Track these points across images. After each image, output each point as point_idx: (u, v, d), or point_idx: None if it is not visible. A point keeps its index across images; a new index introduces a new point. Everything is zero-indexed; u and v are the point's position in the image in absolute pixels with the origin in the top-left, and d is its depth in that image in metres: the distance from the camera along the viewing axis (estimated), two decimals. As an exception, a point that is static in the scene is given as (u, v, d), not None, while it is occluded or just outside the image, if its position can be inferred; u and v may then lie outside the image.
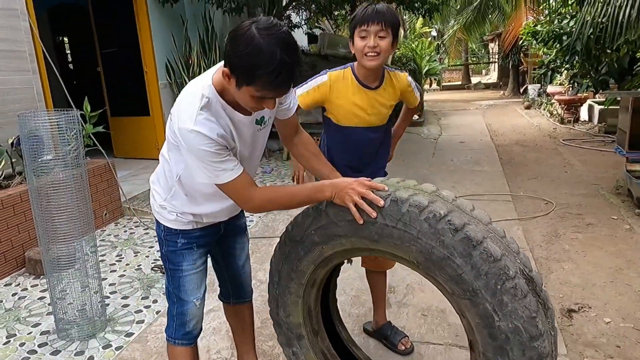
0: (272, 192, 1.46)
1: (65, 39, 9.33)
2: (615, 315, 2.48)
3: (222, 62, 1.33)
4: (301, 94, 1.96)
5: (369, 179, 1.44)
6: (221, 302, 1.97)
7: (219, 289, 1.94)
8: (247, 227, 1.90)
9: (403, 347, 2.23)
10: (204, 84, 1.36)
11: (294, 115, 1.64)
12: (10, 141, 3.65)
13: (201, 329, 1.73)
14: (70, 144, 2.50)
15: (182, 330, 1.65)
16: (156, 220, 1.64)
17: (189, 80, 5.80)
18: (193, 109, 1.32)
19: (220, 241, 1.78)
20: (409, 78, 2.09)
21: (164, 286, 2.94)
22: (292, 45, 1.24)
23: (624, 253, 3.22)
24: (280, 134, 1.70)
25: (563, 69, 8.77)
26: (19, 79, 3.98)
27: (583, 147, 6.79)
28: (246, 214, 1.85)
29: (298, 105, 1.89)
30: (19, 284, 3.10)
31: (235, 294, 1.90)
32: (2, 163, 3.47)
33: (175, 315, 1.65)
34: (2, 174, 3.46)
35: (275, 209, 1.52)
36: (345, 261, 1.73)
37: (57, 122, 2.41)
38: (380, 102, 1.99)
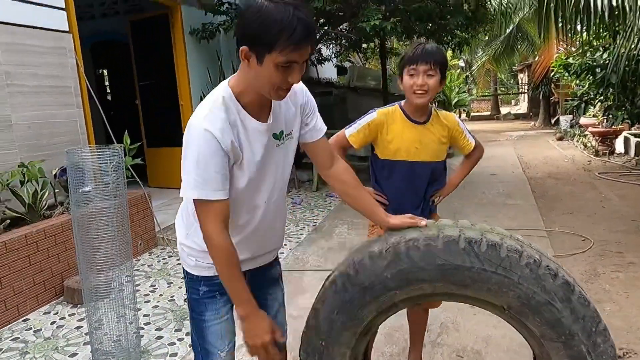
0: (223, 253, 1.32)
1: (105, 71, 9.77)
2: (663, 362, 2.37)
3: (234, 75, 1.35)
4: (352, 133, 2.03)
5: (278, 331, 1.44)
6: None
7: None
8: (282, 276, 1.77)
9: None
10: (220, 87, 1.35)
11: (325, 140, 1.56)
12: (53, 172, 3.80)
13: None
14: (111, 176, 2.60)
15: None
16: (183, 268, 1.58)
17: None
18: (206, 107, 1.30)
19: (252, 292, 1.58)
20: (457, 118, 2.14)
21: (196, 318, 2.98)
22: (302, 4, 1.21)
23: (670, 295, 3.09)
24: (315, 164, 1.61)
25: (597, 101, 8.64)
26: (64, 113, 4.18)
27: (620, 181, 6.60)
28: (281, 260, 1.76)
29: (348, 143, 2.00)
30: (57, 313, 3.18)
31: None
32: (46, 194, 3.61)
33: None
34: (45, 204, 3.60)
35: (216, 261, 1.34)
36: (415, 306, 1.67)
37: (101, 156, 2.51)
38: (430, 137, 2.03)
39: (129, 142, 3.92)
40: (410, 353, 2.32)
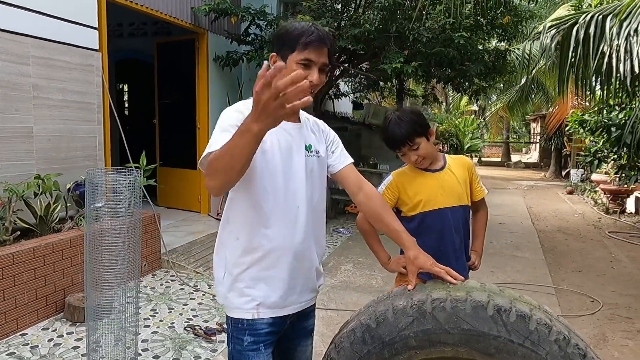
0: (210, 158, 1.25)
1: (125, 86, 9.95)
2: None
3: None
4: (382, 192, 2.06)
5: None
6: None
7: None
8: (314, 330, 1.73)
9: None
10: (244, 100, 1.48)
11: (352, 167, 1.64)
12: (67, 187, 3.83)
13: None
14: (124, 194, 2.61)
15: None
16: (226, 315, 1.56)
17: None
18: (239, 103, 1.47)
19: (282, 340, 1.61)
20: (472, 162, 2.18)
21: (194, 349, 2.94)
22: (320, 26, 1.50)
23: (681, 369, 3.00)
24: (347, 190, 1.65)
25: (610, 159, 8.63)
26: (85, 128, 4.24)
27: (631, 242, 6.52)
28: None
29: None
30: (55, 330, 3.14)
31: None
32: (59, 207, 3.63)
33: None
34: (57, 218, 3.61)
35: (215, 167, 1.23)
36: None
37: (119, 177, 2.53)
38: (451, 180, 2.03)
39: (145, 162, 3.95)
40: None
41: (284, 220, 1.46)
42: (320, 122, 1.64)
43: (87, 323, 2.55)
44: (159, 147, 6.73)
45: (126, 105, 10.05)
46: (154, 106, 6.78)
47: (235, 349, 1.51)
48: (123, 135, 4.51)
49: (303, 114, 1.58)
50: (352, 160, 1.66)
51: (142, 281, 4.09)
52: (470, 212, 2.20)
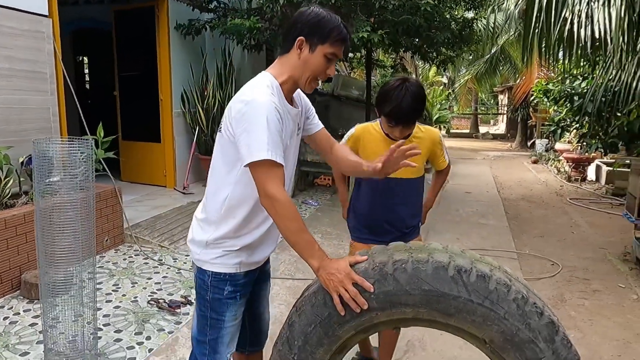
0: (292, 206, 1.40)
1: (85, 59, 9.53)
2: (623, 393, 2.39)
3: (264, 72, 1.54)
4: (346, 140, 2.15)
5: (356, 274, 1.37)
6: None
7: None
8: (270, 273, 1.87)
9: None
10: (264, 76, 1.52)
11: (324, 129, 1.77)
12: (20, 160, 3.66)
13: None
14: (80, 167, 2.50)
15: None
16: (198, 268, 1.60)
17: (202, 111, 5.85)
18: (260, 88, 1.45)
19: (254, 286, 1.74)
20: (440, 135, 2.19)
21: (158, 322, 2.89)
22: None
23: (632, 325, 3.14)
24: (319, 151, 1.80)
25: (572, 128, 8.84)
26: (37, 99, 4.03)
27: (590, 208, 6.75)
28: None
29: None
30: (11, 307, 3.04)
31: (252, 341, 1.84)
32: (11, 182, 3.47)
33: None
34: (9, 193, 3.45)
35: (278, 221, 1.40)
36: (394, 329, 1.64)
37: (71, 147, 2.41)
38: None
39: (102, 134, 3.80)
40: None
41: None
42: (302, 94, 1.71)
43: (42, 300, 2.46)
44: (121, 120, 6.50)
45: (87, 78, 9.67)
46: (114, 79, 6.51)
47: (214, 297, 1.57)
48: (79, 108, 4.32)
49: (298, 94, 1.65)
50: (322, 126, 1.78)
51: (104, 256, 3.99)
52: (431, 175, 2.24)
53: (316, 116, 1.75)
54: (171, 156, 6.17)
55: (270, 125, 1.38)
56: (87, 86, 9.50)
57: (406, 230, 2.13)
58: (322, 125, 1.76)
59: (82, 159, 2.49)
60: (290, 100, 1.56)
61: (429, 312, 1.34)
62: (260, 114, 1.38)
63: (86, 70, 9.68)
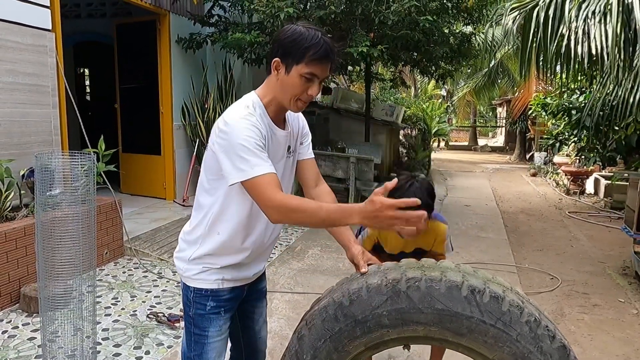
0: (298, 200, 1.34)
1: (86, 71, 9.60)
2: (624, 410, 2.38)
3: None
4: (363, 240, 2.23)
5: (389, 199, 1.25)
6: None
7: (229, 354, 1.85)
8: (267, 291, 1.86)
9: None
10: (249, 97, 1.50)
11: (313, 161, 1.71)
12: (21, 173, 3.67)
13: None
14: (81, 180, 2.51)
15: None
16: (183, 283, 1.62)
17: (203, 123, 5.85)
18: (240, 110, 1.44)
19: (241, 304, 1.72)
20: (447, 230, 2.23)
21: (157, 336, 2.88)
22: (325, 33, 1.45)
23: (632, 340, 3.13)
24: (302, 182, 1.72)
25: (571, 142, 8.89)
26: (39, 112, 4.06)
27: (589, 222, 6.76)
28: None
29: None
30: (10, 321, 3.03)
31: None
32: (12, 195, 3.48)
33: None
34: (9, 206, 3.46)
35: (295, 220, 1.37)
36: (404, 348, 1.65)
37: (72, 162, 2.43)
38: (415, 244, 2.19)
39: (103, 147, 3.82)
40: None
41: (264, 221, 1.53)
42: (301, 117, 1.68)
43: (41, 314, 2.46)
44: (121, 132, 6.53)
45: (88, 90, 9.73)
46: (115, 91, 6.56)
47: (196, 312, 1.57)
48: (80, 120, 4.35)
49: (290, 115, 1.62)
50: (313, 155, 1.74)
51: (103, 269, 3.99)
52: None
53: (310, 145, 1.71)
54: (171, 168, 6.19)
55: (250, 142, 1.36)
56: (88, 97, 9.55)
57: None
58: (312, 156, 1.70)
59: (84, 172, 2.51)
60: (280, 121, 1.53)
61: (440, 331, 1.33)
62: (238, 134, 1.37)
63: (87, 82, 9.74)
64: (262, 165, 1.36)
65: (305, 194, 1.71)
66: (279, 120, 1.53)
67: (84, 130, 4.33)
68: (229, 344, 1.79)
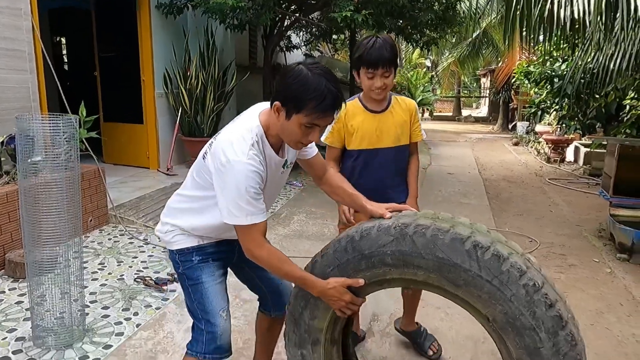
0: (278, 255, 1.49)
1: (63, 40, 9.31)
2: (595, 359, 2.51)
3: (260, 105, 1.56)
4: (326, 137, 2.18)
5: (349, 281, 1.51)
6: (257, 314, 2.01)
7: (258, 302, 1.97)
8: None
9: (432, 352, 2.43)
10: (252, 124, 1.49)
11: (318, 154, 1.75)
12: (0, 140, 3.60)
13: (230, 347, 1.66)
14: (63, 146, 2.48)
15: (214, 345, 1.61)
16: (169, 251, 1.70)
17: (185, 91, 5.75)
18: (245, 145, 1.42)
19: (243, 268, 1.82)
20: (416, 105, 2.28)
21: (145, 299, 2.92)
22: (334, 78, 1.43)
23: (605, 297, 3.27)
24: (310, 174, 1.81)
25: (552, 110, 8.99)
26: (16, 77, 3.96)
27: (568, 188, 6.92)
28: None
29: (331, 146, 2.18)
30: (-4, 286, 3.03)
31: (274, 305, 1.91)
32: (-9, 161, 3.42)
33: (204, 330, 1.61)
34: (-11, 173, 3.41)
35: (270, 267, 1.52)
36: (404, 290, 1.74)
37: (53, 125, 2.39)
38: (390, 122, 2.16)
39: (84, 113, 3.76)
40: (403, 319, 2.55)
41: None
42: None
43: (28, 278, 2.47)
44: (102, 101, 6.40)
45: (65, 60, 9.46)
46: (94, 59, 6.39)
47: (186, 268, 1.65)
48: (59, 86, 4.26)
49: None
50: (316, 150, 1.77)
51: (88, 236, 3.98)
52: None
53: (313, 145, 1.70)
54: (154, 137, 6.13)
55: (250, 192, 1.40)
56: (66, 67, 9.30)
57: (390, 191, 2.20)
58: (315, 152, 1.74)
59: (66, 138, 2.48)
60: (278, 147, 1.55)
61: (438, 279, 1.39)
62: (238, 181, 1.39)
63: (64, 52, 9.47)
64: (256, 215, 1.43)
65: (318, 186, 1.82)
66: (277, 147, 1.56)
67: (63, 96, 4.24)
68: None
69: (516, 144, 12.17)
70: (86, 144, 4.00)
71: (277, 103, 1.41)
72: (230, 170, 1.39)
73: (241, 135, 1.45)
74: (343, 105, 2.09)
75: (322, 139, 2.15)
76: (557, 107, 8.45)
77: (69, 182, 2.47)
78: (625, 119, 7.00)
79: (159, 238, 1.73)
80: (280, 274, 1.53)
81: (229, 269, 1.82)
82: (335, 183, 1.79)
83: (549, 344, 1.26)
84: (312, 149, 1.72)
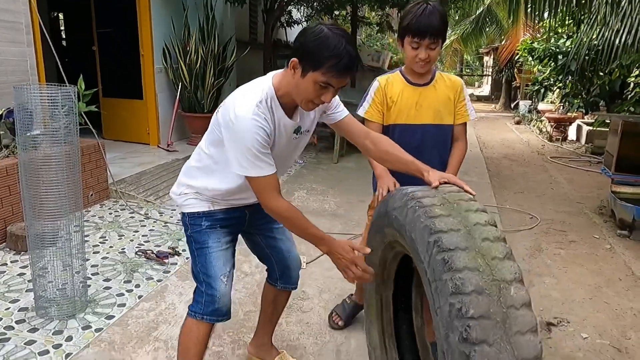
0: (292, 210, 1.51)
1: (60, 15, 9.18)
2: (593, 331, 2.53)
3: (274, 72, 1.56)
4: (366, 111, 2.05)
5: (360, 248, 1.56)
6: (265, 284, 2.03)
7: (267, 273, 1.98)
8: None
9: None
10: (264, 84, 1.51)
11: (350, 116, 1.71)
12: (-1, 113, 3.58)
13: (229, 311, 1.69)
14: (62, 120, 2.46)
15: (211, 307, 1.64)
16: (181, 213, 1.73)
17: (185, 66, 5.67)
18: (252, 101, 1.45)
19: (261, 227, 1.83)
20: (463, 83, 2.10)
21: (146, 271, 2.94)
22: (353, 40, 1.45)
23: (604, 272, 3.29)
24: (350, 139, 1.76)
25: (556, 87, 8.91)
26: (14, 50, 3.91)
27: (570, 166, 6.90)
28: None
29: (371, 122, 2.05)
30: (-2, 259, 3.05)
31: (282, 277, 1.92)
32: (-10, 135, 3.41)
33: (205, 292, 1.65)
34: (-11, 146, 3.39)
35: (286, 223, 1.57)
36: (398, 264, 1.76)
37: (53, 96, 2.37)
38: (432, 98, 2.01)
39: (83, 86, 3.72)
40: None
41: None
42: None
43: (30, 251, 2.47)
44: (101, 77, 6.33)
45: (63, 35, 9.34)
46: (92, 34, 6.30)
47: (193, 231, 1.68)
48: (58, 59, 4.20)
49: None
50: (346, 112, 1.72)
51: (89, 211, 3.99)
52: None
53: (340, 106, 1.69)
54: (154, 113, 6.08)
55: (255, 147, 1.42)
56: (64, 44, 9.19)
57: None
58: (347, 114, 1.70)
59: (64, 111, 2.45)
60: (290, 110, 1.54)
61: (400, 238, 1.45)
62: (244, 137, 1.42)
63: (62, 27, 9.34)
64: (263, 168, 1.46)
65: (360, 146, 1.74)
66: (290, 110, 1.55)
67: (62, 70, 4.19)
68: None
69: (518, 123, 12.10)
70: (85, 118, 3.97)
71: (294, 60, 1.42)
72: (237, 126, 1.43)
73: (251, 92, 1.48)
74: (381, 78, 2.07)
75: (361, 113, 2.06)
76: (561, 84, 8.37)
77: (68, 156, 2.46)
78: (630, 96, 6.93)
79: (160, 213, 1.75)
80: (294, 229, 1.55)
81: (240, 237, 1.85)
82: (383, 147, 1.69)
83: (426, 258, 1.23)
84: (342, 110, 1.69)
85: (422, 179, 1.56)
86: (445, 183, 1.49)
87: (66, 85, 2.43)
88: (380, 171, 1.98)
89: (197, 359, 1.69)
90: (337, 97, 1.66)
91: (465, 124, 2.11)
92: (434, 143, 2.03)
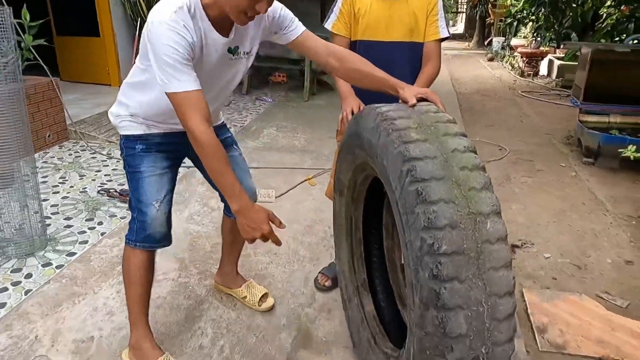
0: (215, 144, 1.33)
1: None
2: (555, 251, 2.60)
3: None
4: (333, 24, 1.89)
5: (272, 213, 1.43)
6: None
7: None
8: (236, 141, 1.85)
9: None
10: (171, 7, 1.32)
11: (308, 33, 1.55)
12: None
13: (165, 238, 1.62)
14: (9, 56, 2.26)
15: (143, 234, 1.58)
16: (120, 135, 1.63)
17: (144, 1, 5.27)
18: (171, 7, 1.30)
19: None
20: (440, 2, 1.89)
21: (109, 209, 2.86)
22: None
23: (569, 197, 3.35)
24: (311, 57, 1.63)
25: (528, 20, 8.78)
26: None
27: (540, 100, 6.93)
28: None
29: (338, 36, 1.90)
30: (-50, 201, 2.90)
31: None
32: None
33: (136, 218, 1.58)
34: None
35: (203, 157, 1.35)
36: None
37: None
38: (403, 11, 1.84)
39: (28, 18, 3.44)
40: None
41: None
42: (273, 12, 1.49)
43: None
44: (52, 13, 5.90)
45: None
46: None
47: (127, 154, 1.59)
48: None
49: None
50: (303, 29, 1.55)
51: (48, 152, 3.82)
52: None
53: (294, 23, 1.53)
54: (113, 51, 5.76)
55: (171, 57, 1.27)
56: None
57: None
58: (302, 30, 1.53)
59: (9, 47, 2.25)
60: (224, 28, 1.39)
61: (370, 160, 1.38)
62: (159, 46, 1.27)
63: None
64: (182, 81, 1.29)
65: (323, 65, 1.58)
66: (225, 24, 1.39)
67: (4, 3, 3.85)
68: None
69: (491, 60, 12.01)
70: (35, 53, 3.70)
71: None
72: (153, 32, 1.28)
73: (170, 1, 1.32)
74: None
75: (328, 26, 1.90)
76: (534, 17, 8.25)
77: (14, 95, 2.28)
78: (601, 27, 6.88)
79: (110, 120, 1.63)
80: (211, 167, 1.36)
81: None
82: (350, 64, 1.53)
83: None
84: (297, 27, 1.53)
85: (396, 96, 1.43)
86: (422, 100, 1.38)
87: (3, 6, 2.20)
88: (345, 91, 1.86)
89: (141, 287, 1.63)
90: (290, 13, 1.52)
91: (438, 43, 1.94)
92: (404, 62, 1.88)
